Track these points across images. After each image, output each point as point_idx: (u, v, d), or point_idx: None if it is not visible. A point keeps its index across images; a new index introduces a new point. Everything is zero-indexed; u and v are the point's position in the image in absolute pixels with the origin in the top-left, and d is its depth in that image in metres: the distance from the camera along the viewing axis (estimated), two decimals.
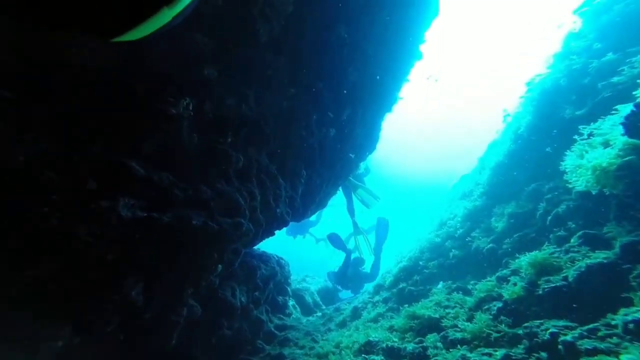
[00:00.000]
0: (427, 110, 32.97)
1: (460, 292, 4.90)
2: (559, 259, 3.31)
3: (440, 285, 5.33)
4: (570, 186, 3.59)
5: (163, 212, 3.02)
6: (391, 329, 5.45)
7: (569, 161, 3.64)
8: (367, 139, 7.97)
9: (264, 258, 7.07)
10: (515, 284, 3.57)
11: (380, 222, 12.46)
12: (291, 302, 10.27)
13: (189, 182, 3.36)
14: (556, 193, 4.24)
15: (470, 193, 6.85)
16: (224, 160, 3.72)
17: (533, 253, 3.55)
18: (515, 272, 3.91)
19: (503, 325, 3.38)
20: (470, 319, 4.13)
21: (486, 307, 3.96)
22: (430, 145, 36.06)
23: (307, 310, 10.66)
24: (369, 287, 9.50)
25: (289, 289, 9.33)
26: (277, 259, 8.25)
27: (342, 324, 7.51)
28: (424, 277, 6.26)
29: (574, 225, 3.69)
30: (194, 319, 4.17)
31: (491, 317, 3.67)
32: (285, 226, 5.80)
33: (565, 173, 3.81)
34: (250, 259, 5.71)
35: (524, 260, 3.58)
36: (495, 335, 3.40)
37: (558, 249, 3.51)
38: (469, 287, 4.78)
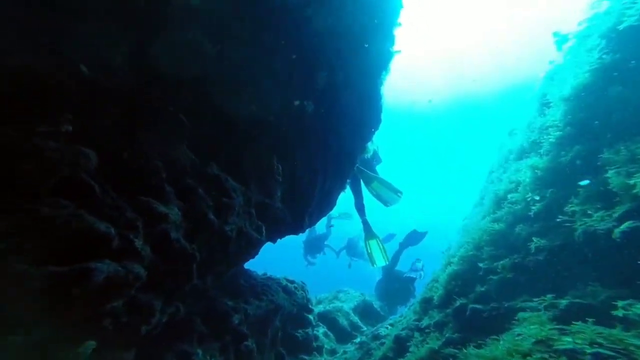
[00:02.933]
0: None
1: (591, 320, 2.41)
2: None
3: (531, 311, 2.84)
4: None
5: None
6: None
7: None
8: (365, 111, 5.64)
9: (257, 290, 4.94)
10: None
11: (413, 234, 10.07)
12: (321, 330, 8.02)
13: None
14: None
15: (535, 145, 4.28)
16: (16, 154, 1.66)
17: None
18: None
19: None
20: None
21: None
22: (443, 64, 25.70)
23: (342, 335, 8.33)
24: (414, 302, 7.04)
25: (311, 317, 7.09)
26: (283, 285, 6.09)
27: None
28: (495, 287, 3.78)
29: None
30: None
31: None
32: (258, 247, 3.65)
33: None
34: (221, 301, 3.62)
35: None
36: None
37: None
38: (622, 310, 2.25)
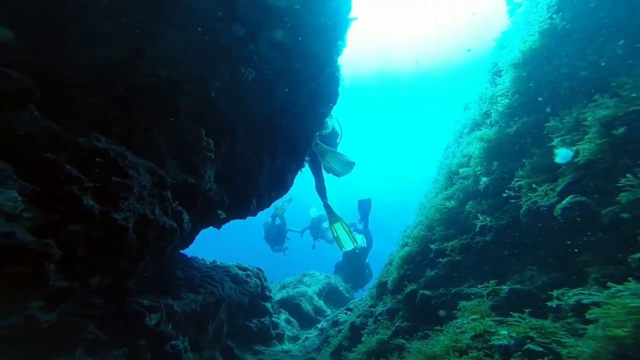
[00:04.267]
0: None
1: (527, 311, 2.12)
2: None
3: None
4: None
5: None
6: None
7: None
8: (321, 82, 5.11)
9: (196, 282, 4.45)
10: None
11: (362, 203, 10.26)
12: (283, 317, 7.74)
13: None
14: None
15: (486, 116, 3.98)
16: None
17: None
18: None
19: None
20: None
21: None
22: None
23: (306, 321, 8.09)
24: (371, 284, 6.84)
25: (268, 305, 6.75)
26: (232, 274, 5.64)
27: (337, 354, 4.90)
28: (444, 271, 3.51)
29: None
30: None
31: None
32: (179, 235, 3.12)
33: None
34: (133, 300, 3.10)
35: None
36: None
37: None
38: (556, 300, 1.95)
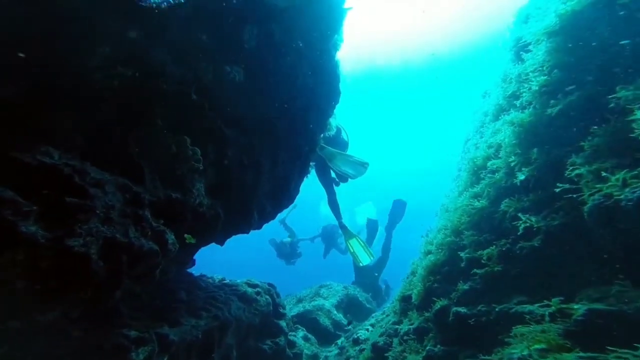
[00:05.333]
0: None
1: (622, 329, 1.47)
2: None
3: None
4: None
5: None
6: None
7: None
8: (320, 80, 4.58)
9: (198, 305, 3.93)
10: None
11: (396, 204, 9.62)
12: (300, 334, 7.11)
13: None
14: None
15: (514, 98, 3.33)
16: None
17: None
18: None
19: None
20: None
21: None
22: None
23: (324, 337, 7.44)
24: (394, 296, 6.17)
25: (283, 323, 6.14)
26: (241, 292, 5.09)
27: None
28: (481, 284, 2.85)
29: None
30: None
31: None
32: (162, 258, 2.62)
33: None
34: (117, 332, 2.60)
35: None
36: None
37: None
38: None
